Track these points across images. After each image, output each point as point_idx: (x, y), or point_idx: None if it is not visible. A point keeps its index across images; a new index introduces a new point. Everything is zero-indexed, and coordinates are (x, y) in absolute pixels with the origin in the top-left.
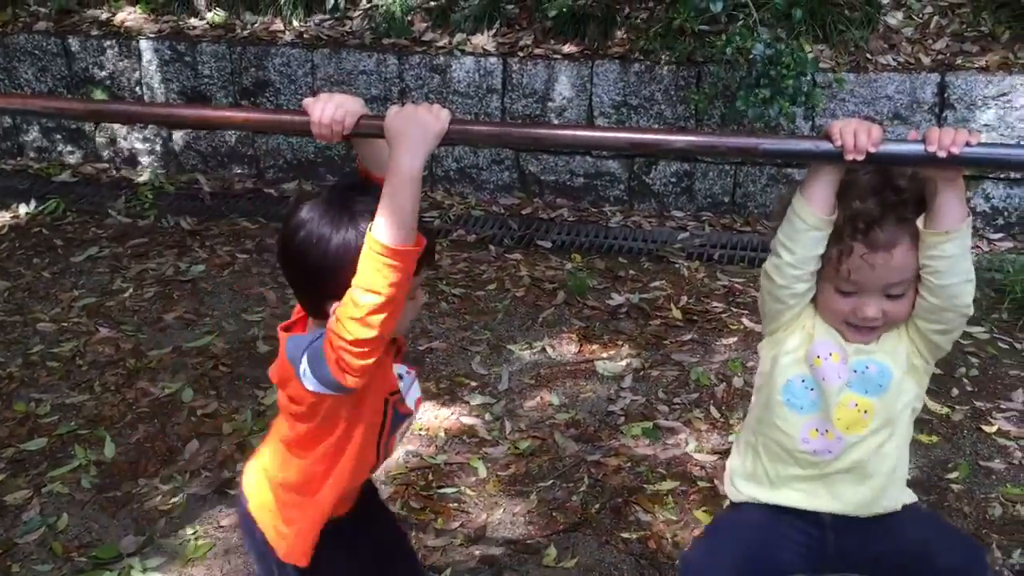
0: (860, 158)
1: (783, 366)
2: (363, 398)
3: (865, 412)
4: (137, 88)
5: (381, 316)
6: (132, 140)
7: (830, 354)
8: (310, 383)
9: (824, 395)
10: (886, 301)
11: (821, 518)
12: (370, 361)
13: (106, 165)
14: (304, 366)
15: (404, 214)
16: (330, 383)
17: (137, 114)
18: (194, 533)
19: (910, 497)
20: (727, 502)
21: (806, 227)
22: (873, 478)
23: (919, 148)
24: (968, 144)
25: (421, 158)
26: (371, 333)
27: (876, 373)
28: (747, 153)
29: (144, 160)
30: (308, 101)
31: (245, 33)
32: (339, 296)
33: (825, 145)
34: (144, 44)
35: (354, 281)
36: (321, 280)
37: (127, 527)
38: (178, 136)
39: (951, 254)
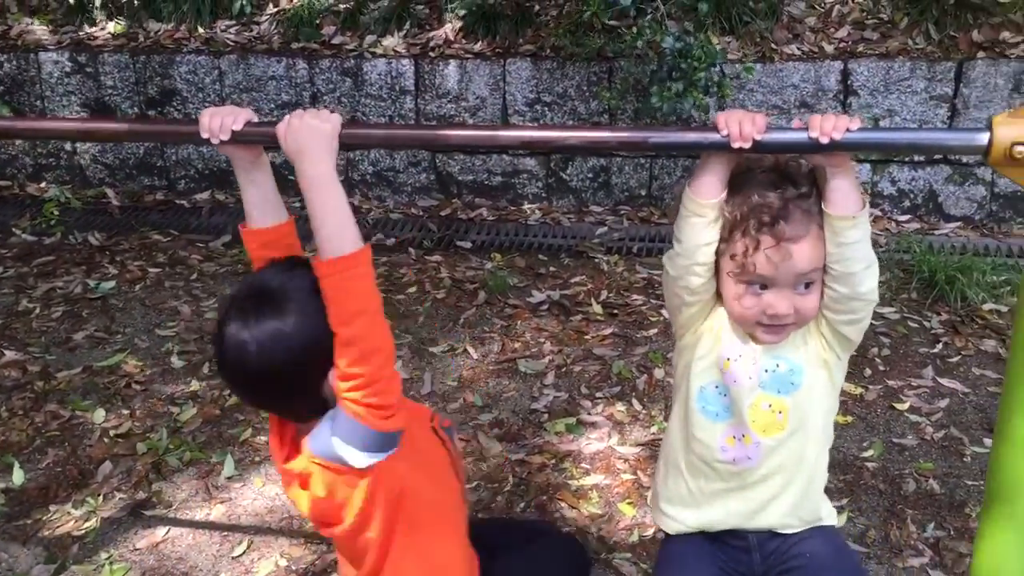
0: (747, 146)
1: (695, 373)
2: (412, 440)
3: (780, 413)
4: (39, 102)
5: (380, 330)
6: (36, 155)
7: (739, 355)
8: (360, 459)
9: (736, 399)
10: (796, 297)
11: (748, 540)
12: (398, 386)
13: (8, 182)
14: (344, 450)
15: (341, 218)
16: (378, 440)
17: (30, 130)
18: (108, 557)
19: (828, 512)
20: (659, 532)
21: (691, 215)
22: (793, 485)
23: (803, 135)
24: (848, 129)
25: (327, 160)
26: (377, 359)
27: (787, 371)
28: (637, 147)
29: (49, 175)
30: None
31: (148, 42)
32: (326, 370)
33: (713, 136)
34: (44, 56)
35: (335, 323)
36: (306, 373)
37: (38, 555)
38: (84, 149)
39: (855, 240)
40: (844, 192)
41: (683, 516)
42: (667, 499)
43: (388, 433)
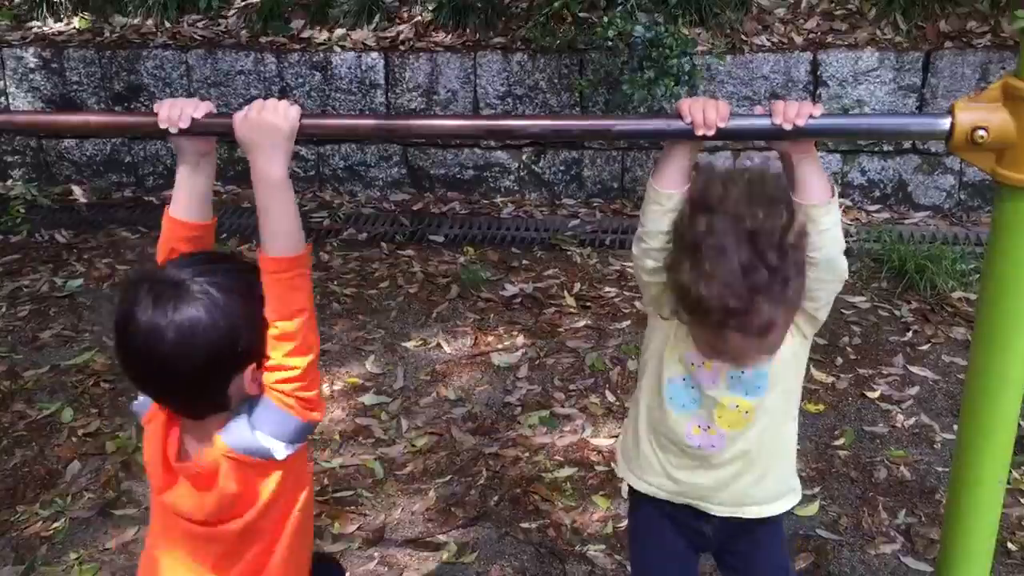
0: (710, 133)
1: (666, 363)
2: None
3: (746, 412)
4: (2, 98)
5: (314, 329)
6: (1, 152)
7: (703, 363)
8: (283, 451)
9: (704, 395)
10: (756, 340)
11: (711, 520)
12: (320, 380)
13: None
14: (269, 442)
15: (289, 220)
16: (302, 431)
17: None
18: (78, 557)
19: (793, 486)
20: (624, 485)
21: (652, 202)
22: (758, 464)
23: (765, 121)
24: (812, 116)
25: (280, 162)
26: (312, 355)
27: (752, 375)
28: (601, 135)
29: (15, 173)
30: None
31: (114, 36)
32: (237, 368)
33: (676, 123)
34: (7, 52)
35: (276, 317)
36: (220, 368)
37: (6, 557)
38: (50, 146)
39: (829, 226)
40: (813, 180)
41: (652, 480)
42: (637, 465)
43: (311, 424)
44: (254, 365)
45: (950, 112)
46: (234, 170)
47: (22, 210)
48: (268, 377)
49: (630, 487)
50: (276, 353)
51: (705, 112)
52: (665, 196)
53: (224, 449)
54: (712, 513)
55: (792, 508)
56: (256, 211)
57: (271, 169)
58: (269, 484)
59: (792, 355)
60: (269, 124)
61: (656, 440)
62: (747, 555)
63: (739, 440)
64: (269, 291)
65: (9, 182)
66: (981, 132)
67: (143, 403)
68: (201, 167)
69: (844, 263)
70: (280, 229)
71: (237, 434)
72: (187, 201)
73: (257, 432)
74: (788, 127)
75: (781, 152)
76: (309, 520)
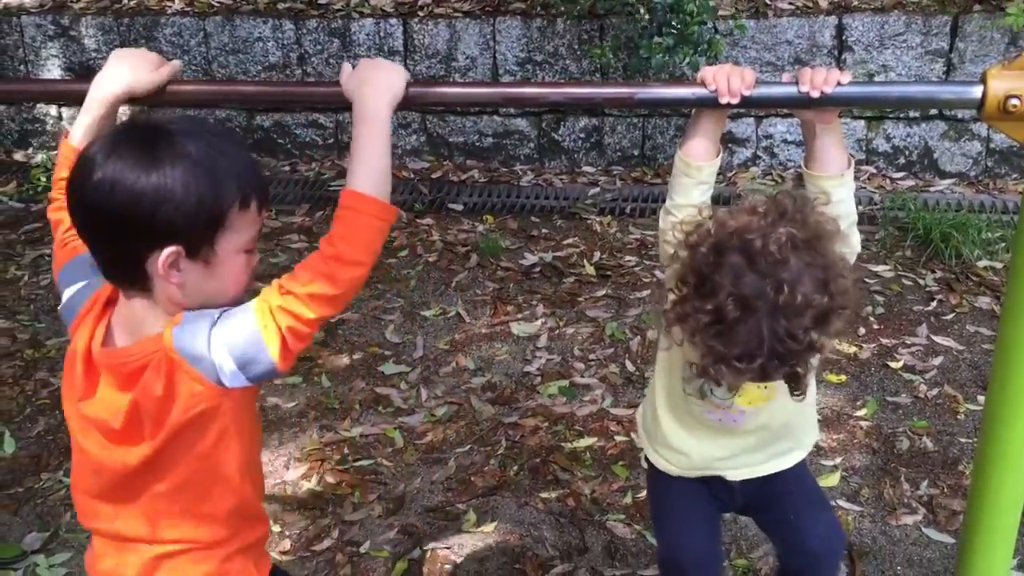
0: (735, 101)
1: (685, 346)
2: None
3: (766, 387)
4: (22, 67)
5: (354, 293)
6: (21, 120)
7: None
8: (230, 378)
9: None
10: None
11: (731, 485)
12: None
13: None
14: (223, 358)
15: (384, 161)
16: (262, 368)
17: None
18: None
19: (810, 440)
20: (643, 457)
21: (681, 175)
22: (779, 432)
23: (792, 89)
24: (839, 83)
25: (387, 100)
26: (335, 310)
27: None
28: (623, 103)
29: (35, 141)
30: None
31: (132, 3)
32: (160, 246)
33: (700, 91)
34: (26, 20)
35: (334, 252)
36: (134, 225)
37: (30, 524)
38: (70, 115)
39: (842, 198)
40: (832, 151)
41: (671, 457)
42: (655, 439)
43: (274, 370)
44: (178, 249)
45: (982, 80)
46: (253, 138)
47: (43, 179)
48: (274, 296)
49: (647, 458)
50: (306, 286)
51: (730, 80)
52: (695, 168)
53: (167, 344)
54: (729, 478)
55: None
56: (350, 147)
57: (378, 103)
58: (195, 406)
59: None
60: (381, 68)
61: (676, 416)
62: (780, 498)
63: (760, 414)
64: (342, 226)
65: (30, 150)
66: (1014, 101)
67: (75, 297)
68: (113, 111)
69: (856, 236)
70: (374, 164)
71: (191, 334)
72: (89, 134)
73: (215, 341)
74: (816, 94)
75: (803, 120)
76: (240, 487)
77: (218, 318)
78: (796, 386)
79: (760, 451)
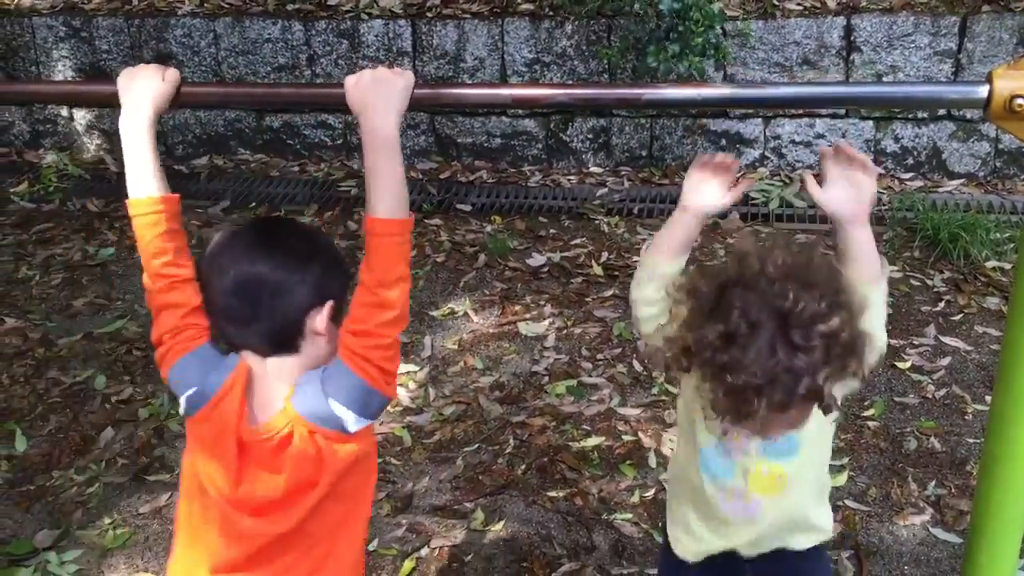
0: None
1: (699, 429)
2: None
3: (779, 477)
4: (33, 68)
5: (408, 301)
6: (32, 121)
7: (734, 429)
8: (354, 424)
9: (735, 463)
10: (786, 425)
11: (743, 566)
12: (400, 358)
13: (6, 149)
14: (342, 412)
15: (398, 181)
16: (377, 405)
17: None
18: (112, 522)
19: (826, 521)
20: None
21: (650, 279)
22: (794, 522)
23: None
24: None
25: (393, 120)
26: (405, 323)
27: (783, 440)
28: (631, 104)
29: (47, 142)
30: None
31: (143, 5)
32: (322, 303)
33: (706, 91)
34: (37, 21)
35: (376, 284)
36: (301, 289)
37: (42, 521)
38: (81, 116)
39: (876, 302)
40: (866, 252)
41: (686, 543)
42: (673, 522)
43: (386, 399)
44: (331, 306)
45: (988, 80)
46: (262, 139)
47: (54, 179)
48: (354, 342)
49: (665, 532)
50: (371, 321)
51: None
52: (664, 268)
53: (293, 416)
54: (742, 553)
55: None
56: (364, 172)
57: (385, 125)
58: (342, 458)
59: (822, 419)
60: (385, 81)
61: (693, 501)
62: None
63: (774, 507)
64: (374, 255)
65: (41, 151)
66: (1020, 100)
67: (193, 399)
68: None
69: (884, 338)
70: (390, 190)
71: (309, 399)
72: (154, 175)
73: (330, 400)
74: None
75: (832, 218)
76: (363, 532)
77: (323, 381)
78: (789, 411)
79: (776, 536)
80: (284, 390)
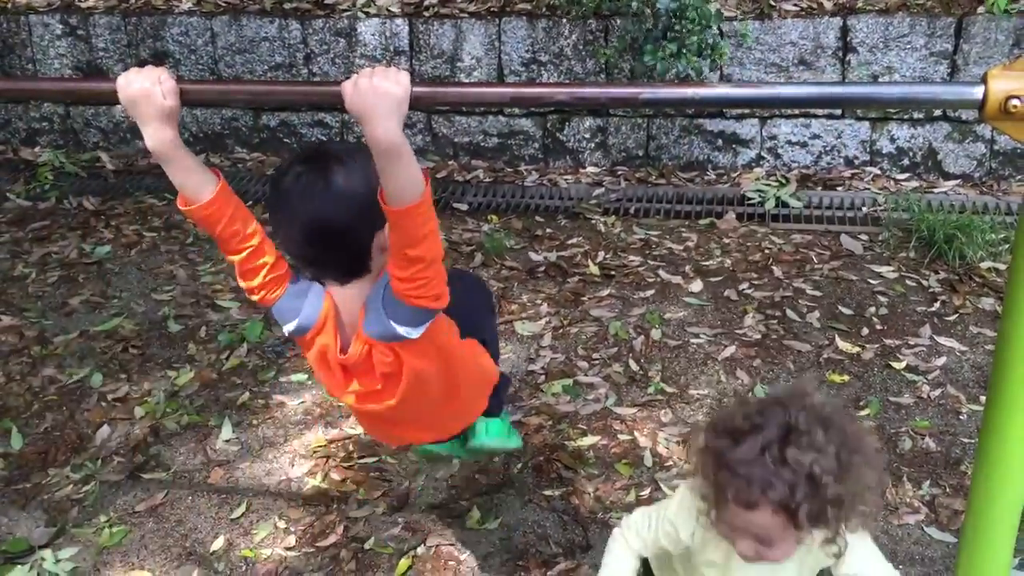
0: None
1: (696, 564)
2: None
3: None
4: (30, 66)
5: (439, 242)
6: (28, 119)
7: (724, 560)
8: (417, 332)
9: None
10: (760, 545)
11: None
12: (445, 271)
13: (2, 147)
14: (404, 330)
15: (410, 173)
16: (432, 314)
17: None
18: (108, 520)
19: None
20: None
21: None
22: None
23: None
24: None
25: (395, 127)
26: (439, 257)
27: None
28: (628, 103)
29: (42, 139)
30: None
31: (140, 3)
32: (381, 227)
33: (703, 91)
34: (34, 19)
35: (402, 246)
36: (370, 215)
37: (38, 519)
38: (77, 113)
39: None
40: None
41: None
42: None
43: (442, 308)
44: (388, 222)
45: (983, 80)
46: (259, 137)
47: (50, 177)
48: (400, 286)
49: None
50: (408, 271)
51: None
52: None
53: (366, 339)
54: None
55: None
56: (378, 174)
57: (389, 135)
58: (414, 350)
59: (822, 558)
60: (383, 90)
61: None
62: None
63: None
64: (397, 229)
65: (37, 149)
66: (1015, 101)
67: (304, 319)
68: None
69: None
70: (403, 185)
71: (376, 324)
72: (202, 168)
73: (391, 322)
74: None
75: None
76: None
77: (384, 306)
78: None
79: None
80: (357, 312)
